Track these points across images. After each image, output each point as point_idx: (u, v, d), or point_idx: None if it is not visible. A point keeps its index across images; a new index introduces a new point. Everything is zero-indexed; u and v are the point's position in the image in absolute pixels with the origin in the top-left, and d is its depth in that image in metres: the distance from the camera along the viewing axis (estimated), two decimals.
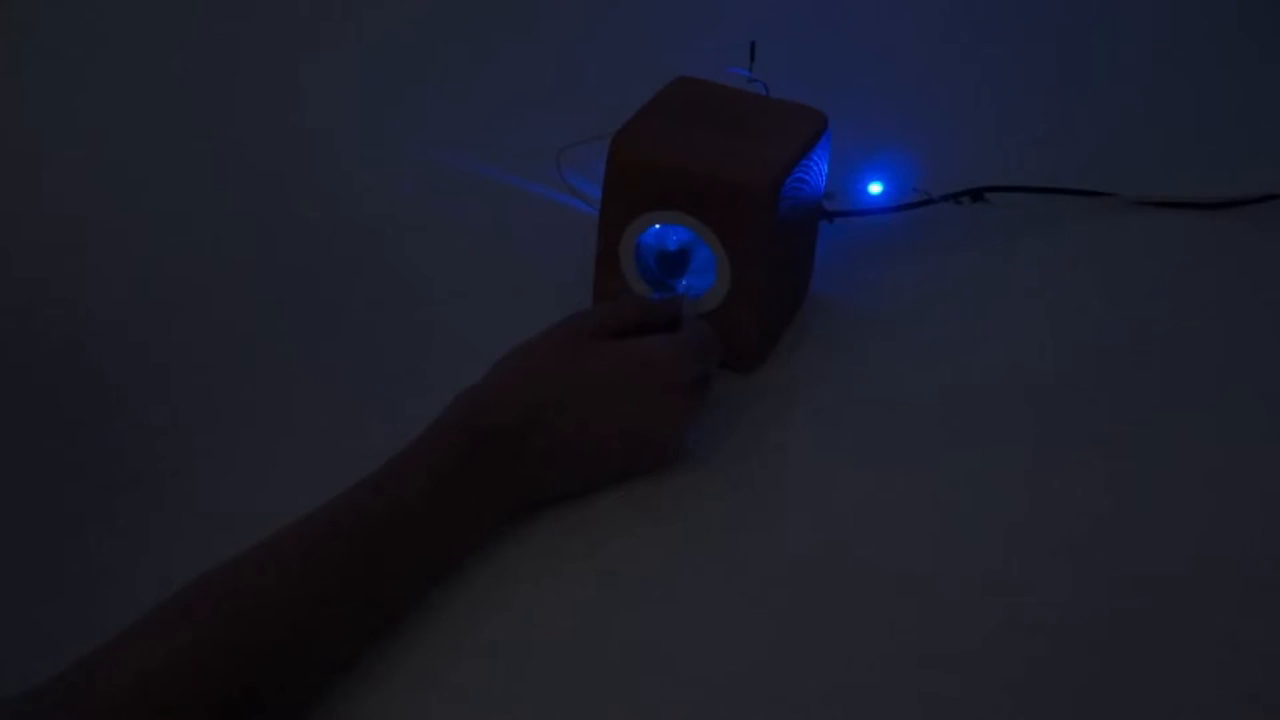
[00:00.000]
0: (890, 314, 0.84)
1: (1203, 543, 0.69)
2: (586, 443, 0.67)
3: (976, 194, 0.92)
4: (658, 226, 0.76)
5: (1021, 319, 0.84)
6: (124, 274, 0.83)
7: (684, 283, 0.77)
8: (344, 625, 0.58)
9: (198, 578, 0.56)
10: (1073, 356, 0.81)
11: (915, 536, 0.68)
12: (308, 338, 0.79)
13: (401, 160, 0.96)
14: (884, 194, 0.91)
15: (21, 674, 0.51)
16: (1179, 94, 1.11)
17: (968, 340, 0.82)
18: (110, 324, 0.79)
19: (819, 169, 0.79)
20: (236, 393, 0.75)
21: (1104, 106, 1.09)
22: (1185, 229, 0.93)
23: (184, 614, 0.54)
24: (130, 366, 0.76)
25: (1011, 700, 0.60)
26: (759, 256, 0.74)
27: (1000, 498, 0.71)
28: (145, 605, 0.54)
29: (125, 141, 0.96)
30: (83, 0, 1.13)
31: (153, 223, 0.88)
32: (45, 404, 0.73)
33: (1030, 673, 0.62)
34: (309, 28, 1.13)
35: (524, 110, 1.03)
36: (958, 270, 0.88)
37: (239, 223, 0.89)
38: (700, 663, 0.61)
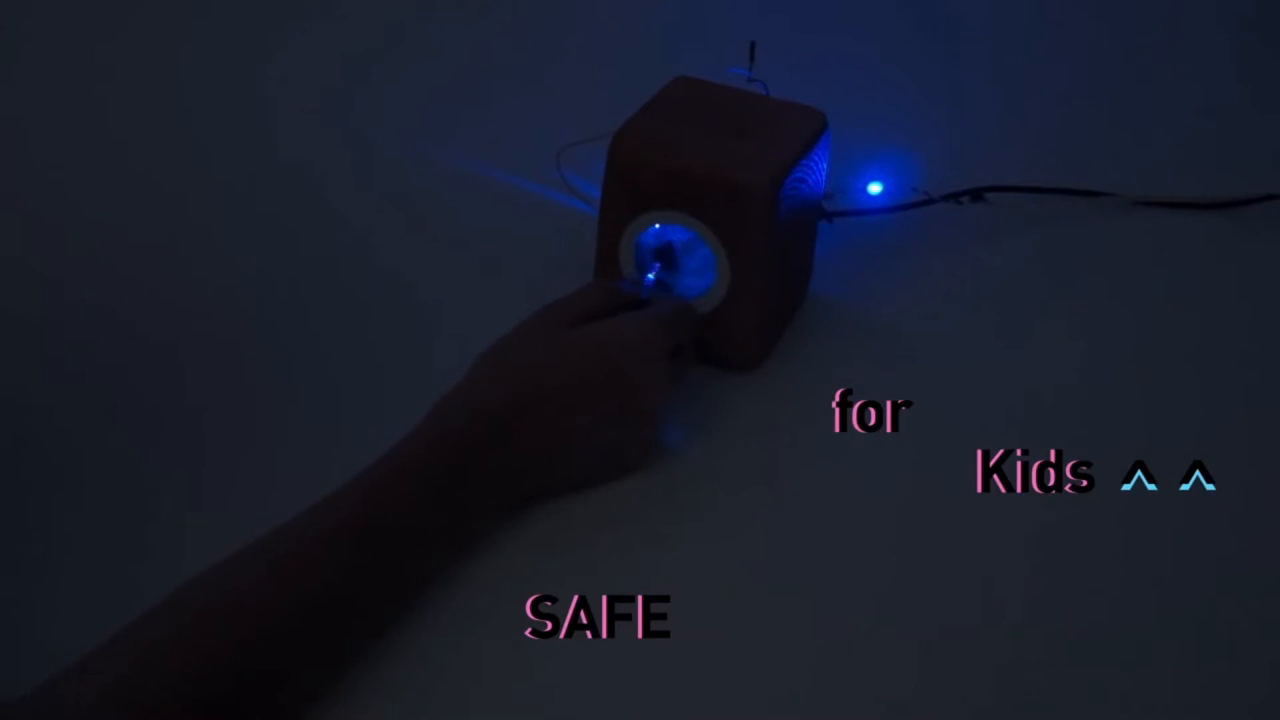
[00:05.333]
0: (889, 314, 0.84)
1: (1200, 539, 0.69)
2: (568, 434, 0.67)
3: (976, 194, 0.92)
4: (658, 226, 0.76)
5: (1021, 319, 0.84)
6: (126, 274, 0.83)
7: (684, 283, 0.77)
8: (330, 632, 0.58)
9: (185, 583, 0.56)
10: (1072, 356, 0.81)
11: (915, 536, 0.68)
12: (305, 338, 0.79)
13: (401, 160, 0.96)
14: (884, 194, 0.91)
15: (19, 676, 0.51)
16: (1179, 94, 1.11)
17: (967, 340, 0.82)
18: (111, 324, 0.79)
19: (819, 169, 0.79)
20: (235, 393, 0.75)
21: (1104, 106, 1.09)
22: (1185, 229, 0.93)
23: (168, 617, 0.54)
24: (129, 367, 0.76)
25: (1012, 699, 0.60)
26: (759, 256, 0.74)
27: (1000, 497, 0.71)
28: (145, 606, 0.54)
29: (125, 143, 0.96)
30: (78, 1, 1.13)
31: (151, 223, 0.88)
32: (46, 405, 0.73)
33: (1032, 675, 0.62)
34: (310, 26, 1.13)
35: (524, 110, 1.03)
36: (958, 270, 0.88)
37: (237, 222, 0.89)
38: (698, 663, 0.61)
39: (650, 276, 0.75)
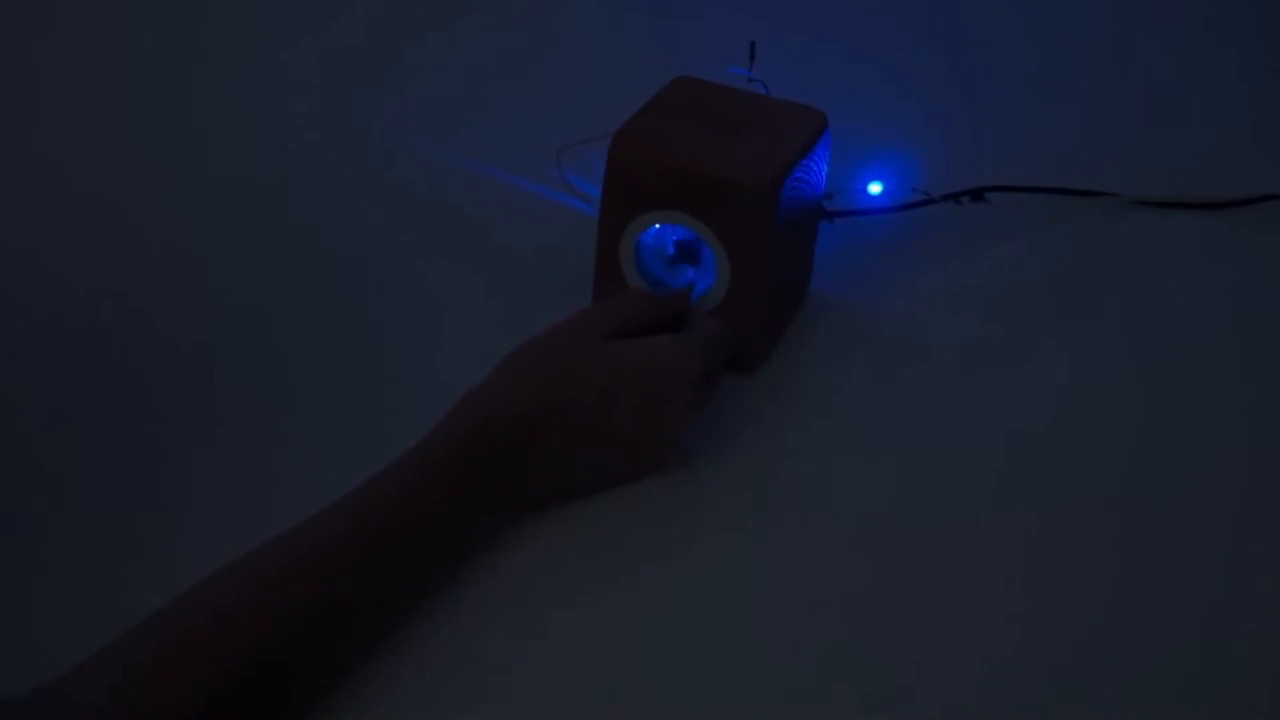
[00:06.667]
0: (890, 314, 0.84)
1: (1200, 541, 0.69)
2: (590, 443, 0.67)
3: (976, 194, 0.92)
4: (658, 226, 0.76)
5: (1021, 319, 0.84)
6: (128, 272, 0.83)
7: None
8: (342, 632, 0.58)
9: (196, 583, 0.55)
10: (1072, 356, 0.81)
11: (916, 535, 0.68)
12: (306, 337, 0.79)
13: (401, 160, 0.96)
14: (884, 194, 0.91)
15: (19, 676, 0.51)
16: (1179, 94, 1.11)
17: (967, 340, 0.82)
18: (113, 323, 0.79)
19: (819, 169, 0.79)
20: (236, 391, 0.75)
21: (1104, 106, 1.09)
22: (1185, 229, 0.93)
23: (180, 617, 0.54)
24: (131, 365, 0.76)
25: (1018, 701, 0.60)
26: (759, 256, 0.74)
27: (1000, 496, 0.71)
28: (145, 605, 0.54)
29: (130, 140, 0.96)
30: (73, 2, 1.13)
31: (154, 222, 0.88)
32: (47, 405, 0.73)
33: (1037, 675, 0.62)
34: (309, 25, 1.13)
35: (524, 110, 1.03)
36: (957, 270, 0.88)
37: (237, 220, 0.89)
38: (703, 665, 0.61)
39: (691, 282, 0.76)
